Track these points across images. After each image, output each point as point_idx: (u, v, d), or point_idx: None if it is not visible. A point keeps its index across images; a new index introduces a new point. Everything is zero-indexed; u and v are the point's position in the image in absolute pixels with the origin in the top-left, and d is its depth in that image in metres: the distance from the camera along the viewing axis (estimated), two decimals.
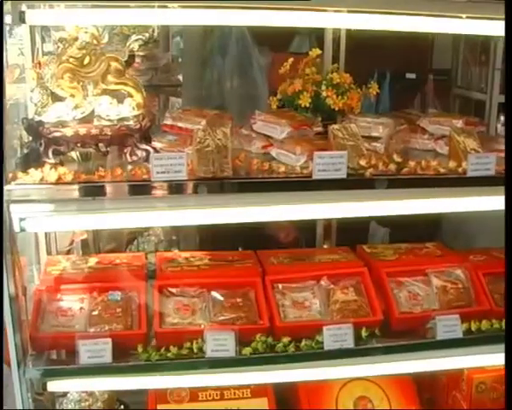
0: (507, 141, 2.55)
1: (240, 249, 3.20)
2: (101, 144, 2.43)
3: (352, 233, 3.24)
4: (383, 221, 4.24)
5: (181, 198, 2.33)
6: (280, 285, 2.68)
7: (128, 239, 3.95)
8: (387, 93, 4.76)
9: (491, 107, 4.82)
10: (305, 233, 3.76)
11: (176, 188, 2.28)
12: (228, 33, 4.22)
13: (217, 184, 2.29)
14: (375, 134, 2.60)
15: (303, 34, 4.32)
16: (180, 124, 2.56)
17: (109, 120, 2.42)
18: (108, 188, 2.28)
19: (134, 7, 2.31)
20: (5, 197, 2.21)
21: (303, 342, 2.53)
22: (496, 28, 2.80)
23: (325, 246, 3.35)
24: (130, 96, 2.49)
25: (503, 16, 2.71)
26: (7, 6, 2.16)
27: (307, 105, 2.70)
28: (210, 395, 2.88)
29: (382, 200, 2.47)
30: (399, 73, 4.94)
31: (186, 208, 2.38)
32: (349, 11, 2.58)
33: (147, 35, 3.91)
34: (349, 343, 2.54)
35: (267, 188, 2.35)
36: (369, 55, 4.29)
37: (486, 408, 2.97)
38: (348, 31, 3.34)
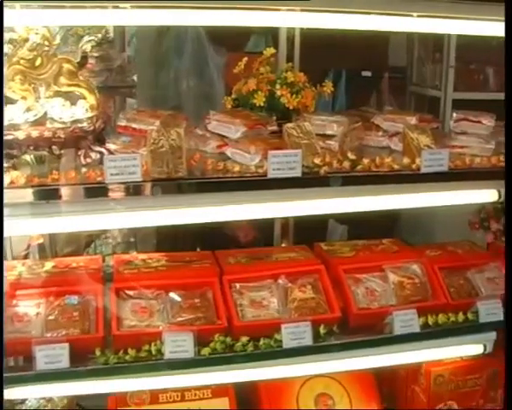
0: (507, 140, 2.59)
1: (198, 250, 3.19)
2: (54, 147, 2.39)
3: (310, 231, 3.25)
4: (341, 219, 4.27)
5: (136, 200, 2.31)
6: (238, 285, 2.67)
7: (85, 242, 3.91)
8: (344, 91, 4.80)
9: (445, 103, 4.89)
10: (263, 232, 3.76)
11: (130, 189, 2.26)
12: (183, 33, 4.20)
13: (171, 185, 2.28)
14: (329, 132, 2.61)
15: (259, 33, 4.33)
16: (134, 125, 2.53)
17: (62, 123, 2.39)
18: (62, 191, 2.25)
19: (89, 7, 2.28)
20: None
21: (261, 341, 2.53)
22: (447, 26, 2.85)
23: (283, 245, 3.36)
24: (84, 97, 2.46)
25: (455, 14, 2.77)
26: None
27: (262, 104, 2.71)
28: (171, 397, 2.87)
29: (337, 197, 2.49)
30: (355, 71, 4.98)
31: (141, 210, 2.36)
32: (302, 10, 2.59)
33: (100, 36, 3.87)
34: (307, 341, 2.54)
35: (222, 188, 2.34)
36: (325, 54, 4.31)
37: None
38: (303, 30, 3.36)
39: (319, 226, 3.98)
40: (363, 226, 3.42)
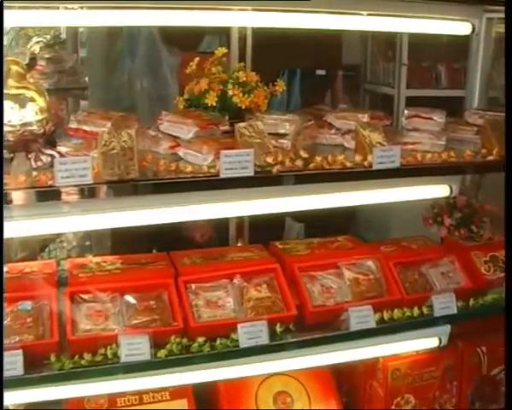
0: (507, 140, 2.62)
1: (154, 251, 3.17)
2: (4, 151, 2.36)
3: (267, 230, 3.26)
4: (298, 217, 4.30)
5: (89, 202, 2.28)
6: (193, 285, 2.66)
7: (40, 247, 3.86)
8: (298, 90, 4.84)
9: (399, 101, 4.97)
10: (220, 232, 3.76)
11: (82, 192, 2.23)
12: (136, 34, 4.19)
13: (123, 187, 2.25)
14: (281, 131, 2.62)
15: (212, 33, 4.33)
16: (85, 127, 2.50)
17: (11, 126, 2.35)
18: (14, 195, 2.22)
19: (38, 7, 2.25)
20: None
21: (218, 342, 2.52)
22: (398, 25, 2.89)
23: (239, 244, 3.36)
24: (33, 100, 2.42)
25: (406, 13, 2.80)
26: None
27: (214, 104, 2.70)
28: (129, 401, 2.84)
29: (290, 196, 2.50)
30: (310, 69, 5.02)
31: (94, 213, 2.34)
32: (254, 9, 2.59)
33: (49, 37, 3.81)
34: (264, 340, 2.54)
35: (175, 188, 2.33)
36: (279, 53, 4.34)
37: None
38: (255, 29, 3.37)
39: (276, 225, 3.99)
40: (319, 224, 3.44)
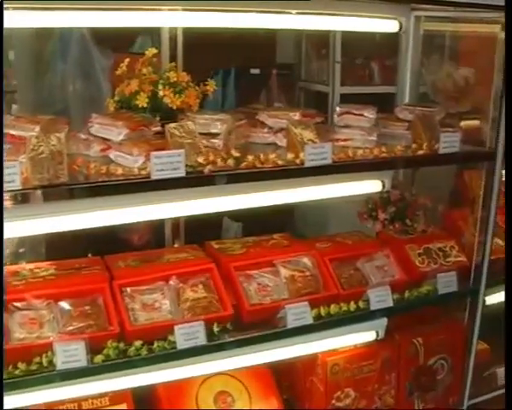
0: (507, 139, 2.64)
1: (90, 256, 3.13)
2: None
3: (204, 230, 3.25)
4: (236, 216, 4.30)
5: (18, 208, 2.23)
6: (128, 289, 2.63)
7: None
8: (233, 89, 4.84)
9: (333, 98, 5.01)
10: (158, 233, 3.74)
11: (10, 198, 2.18)
12: (67, 35, 4.12)
13: (53, 192, 2.21)
14: (213, 131, 2.60)
15: (145, 34, 4.29)
16: (13, 132, 2.45)
17: None
18: None
19: None
20: None
21: (155, 344, 2.50)
22: (327, 23, 2.92)
23: (176, 245, 3.34)
24: None
25: (335, 11, 2.83)
26: None
27: (145, 105, 2.67)
28: (68, 408, 2.80)
29: (223, 195, 2.50)
30: (244, 68, 5.02)
31: (24, 218, 2.29)
32: (184, 9, 2.58)
33: None
34: (202, 340, 2.54)
35: (106, 191, 2.29)
36: (212, 53, 4.34)
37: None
38: (186, 29, 3.35)
39: (213, 225, 3.99)
40: (257, 223, 3.45)
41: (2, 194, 2.14)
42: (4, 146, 2.48)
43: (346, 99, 4.94)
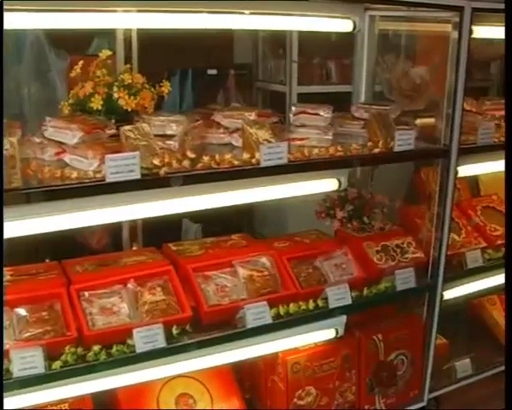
0: (507, 139, 2.65)
1: (47, 261, 3.09)
2: None
3: (164, 232, 3.24)
4: (195, 217, 4.29)
5: None
6: (86, 293, 2.61)
7: None
8: (190, 90, 4.83)
9: (290, 98, 5.03)
10: (116, 237, 3.72)
11: None
12: (22, 37, 4.07)
13: (6, 196, 2.18)
14: (169, 132, 2.59)
15: (101, 36, 4.26)
16: None
17: None
18: None
19: None
20: None
21: (114, 348, 2.48)
22: (281, 23, 2.92)
23: (134, 248, 3.33)
24: None
25: (288, 11, 2.84)
26: None
27: (99, 108, 2.65)
28: None
29: (179, 197, 2.49)
30: (201, 69, 5.02)
31: None
32: (139, 11, 2.57)
33: None
34: (161, 343, 2.53)
35: (60, 195, 2.27)
36: (168, 54, 4.32)
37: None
38: (143, 30, 3.33)
39: (173, 227, 3.98)
40: (217, 223, 3.46)
41: (2, 194, 2.14)
42: None
43: (303, 98, 4.96)
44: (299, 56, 5.17)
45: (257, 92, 5.53)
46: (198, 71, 4.94)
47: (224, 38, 4.93)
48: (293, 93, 5.10)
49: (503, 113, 3.65)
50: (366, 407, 3.30)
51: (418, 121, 3.38)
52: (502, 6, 3.31)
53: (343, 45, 4.26)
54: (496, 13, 3.27)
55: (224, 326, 2.72)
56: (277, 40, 5.41)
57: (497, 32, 3.43)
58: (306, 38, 5.07)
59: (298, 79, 5.14)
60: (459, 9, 2.95)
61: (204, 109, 3.15)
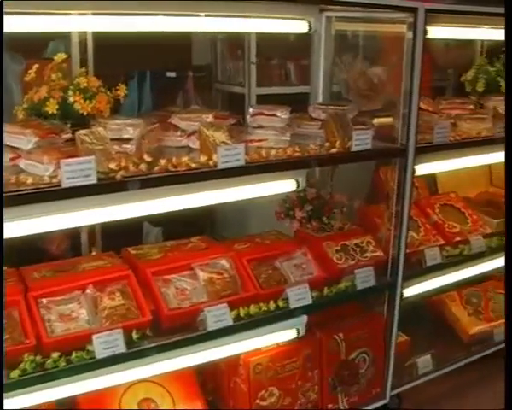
0: (507, 140, 2.65)
1: (5, 268, 3.05)
2: None
3: (124, 236, 3.22)
4: (155, 221, 4.27)
5: None
6: (44, 300, 2.58)
7: None
8: (149, 93, 4.80)
9: (249, 99, 5.03)
10: (76, 242, 3.68)
11: None
12: None
13: None
14: (125, 136, 2.57)
15: (57, 39, 4.21)
16: None
17: None
18: None
19: None
20: None
21: (74, 355, 2.46)
22: (236, 24, 2.92)
23: (94, 253, 3.30)
24: None
25: (245, 13, 2.85)
26: None
27: (55, 112, 2.62)
28: None
29: (137, 201, 2.48)
30: (160, 72, 4.99)
31: None
32: (94, 13, 2.54)
33: None
34: (121, 348, 2.51)
35: (16, 202, 2.23)
36: (126, 57, 4.29)
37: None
38: (99, 33, 3.31)
39: (134, 230, 3.95)
40: (178, 226, 3.44)
41: (2, 194, 2.14)
42: None
43: (262, 100, 4.97)
44: (258, 58, 5.18)
45: (216, 94, 5.52)
46: (156, 73, 4.92)
47: (183, 40, 4.91)
48: (252, 94, 5.10)
49: (458, 112, 3.72)
50: (329, 406, 3.32)
51: (376, 121, 3.41)
52: (455, 7, 3.38)
53: (302, 46, 4.28)
54: (449, 14, 3.33)
55: (184, 329, 2.71)
56: (236, 42, 5.41)
57: (451, 32, 3.50)
58: (265, 40, 5.08)
59: (257, 81, 5.15)
60: (413, 10, 2.99)
61: (163, 112, 3.14)
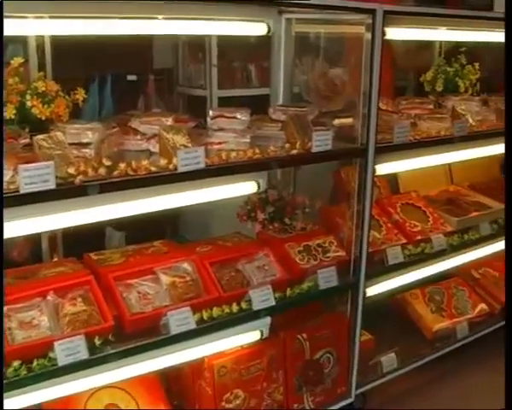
0: (507, 140, 2.64)
1: None
2: None
3: (87, 241, 3.20)
4: (118, 225, 4.24)
5: None
6: (4, 308, 2.54)
7: None
8: (110, 97, 4.77)
9: (211, 102, 5.03)
10: (36, 249, 3.64)
11: None
12: None
13: None
14: (84, 140, 2.55)
15: (16, 43, 4.16)
16: None
17: None
18: None
19: None
20: None
21: (35, 363, 2.43)
22: (194, 27, 2.91)
23: (55, 259, 3.27)
24: None
25: (204, 16, 2.84)
26: None
27: (12, 117, 2.59)
28: None
29: (97, 205, 2.46)
30: (120, 75, 4.96)
31: None
32: (51, 17, 2.52)
33: None
34: (83, 355, 2.49)
35: None
36: (86, 60, 4.26)
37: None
38: (57, 37, 3.27)
39: (96, 235, 3.92)
40: (141, 230, 3.42)
41: (2, 194, 2.13)
42: None
43: (224, 102, 4.97)
44: (219, 60, 5.18)
45: (178, 97, 5.51)
46: (117, 77, 4.89)
47: (144, 43, 4.89)
48: (214, 97, 5.11)
49: (418, 111, 3.77)
50: (295, 406, 3.33)
51: (337, 122, 3.44)
52: (413, 9, 3.43)
53: (263, 48, 4.30)
54: (408, 15, 3.37)
55: (147, 334, 2.69)
56: (197, 44, 5.40)
57: (410, 33, 3.54)
58: (226, 42, 5.09)
59: (218, 83, 5.16)
60: (371, 12, 3.01)
61: (124, 116, 3.12)
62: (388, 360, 3.79)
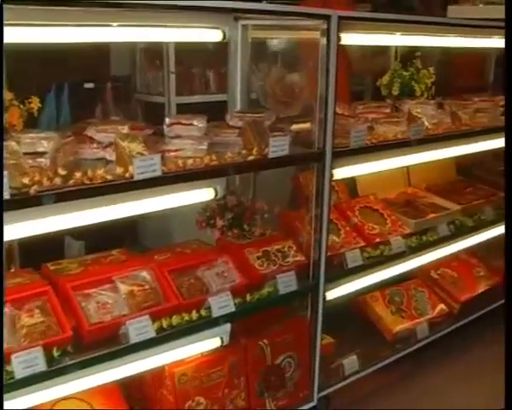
0: (507, 140, 2.63)
1: None
2: None
3: (45, 251, 3.16)
4: (77, 234, 4.20)
5: None
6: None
7: None
8: (67, 105, 4.73)
9: (169, 109, 5.02)
10: None
11: None
12: None
13: None
14: (39, 149, 2.52)
15: None
16: None
17: None
18: None
19: None
20: None
21: None
22: (149, 34, 2.91)
23: (12, 270, 3.22)
24: None
25: (159, 23, 2.84)
26: None
27: None
28: None
29: (53, 215, 2.44)
30: (77, 83, 4.92)
31: None
32: (5, 24, 2.49)
33: None
34: (41, 367, 2.46)
35: None
36: (42, 68, 4.22)
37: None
38: (12, 44, 3.24)
39: (55, 245, 3.88)
40: (100, 239, 3.39)
41: (2, 194, 2.13)
42: None
43: (183, 109, 4.96)
44: (177, 67, 5.18)
45: (136, 104, 5.48)
46: (74, 85, 4.84)
47: (101, 50, 4.87)
48: (172, 104, 5.10)
49: (374, 115, 3.80)
50: None
51: (294, 127, 3.45)
52: (368, 14, 3.47)
53: (220, 55, 4.31)
54: (362, 21, 3.41)
55: (107, 344, 2.68)
56: (155, 51, 5.38)
57: (365, 39, 3.58)
58: (184, 49, 5.08)
59: (176, 90, 5.15)
60: (326, 18, 3.04)
61: (82, 124, 3.09)
62: (350, 362, 3.81)
